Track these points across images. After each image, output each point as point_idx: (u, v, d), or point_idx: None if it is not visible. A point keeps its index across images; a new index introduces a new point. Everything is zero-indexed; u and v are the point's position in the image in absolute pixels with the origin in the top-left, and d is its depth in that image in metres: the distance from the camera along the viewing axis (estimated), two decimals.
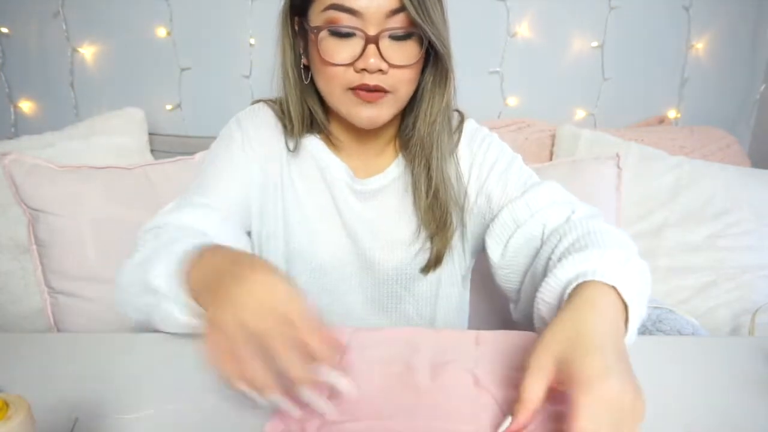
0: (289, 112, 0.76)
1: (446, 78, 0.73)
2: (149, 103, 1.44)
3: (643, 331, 0.98)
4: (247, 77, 1.51)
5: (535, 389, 0.45)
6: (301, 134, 0.77)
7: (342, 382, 0.46)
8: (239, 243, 0.75)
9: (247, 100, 1.52)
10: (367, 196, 0.79)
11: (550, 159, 1.37)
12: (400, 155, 0.79)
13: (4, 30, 1.47)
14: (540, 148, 1.39)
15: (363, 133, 0.77)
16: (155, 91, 1.51)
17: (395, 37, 0.67)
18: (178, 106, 1.54)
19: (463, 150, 0.79)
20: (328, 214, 0.79)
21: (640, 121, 1.56)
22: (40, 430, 0.36)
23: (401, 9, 0.65)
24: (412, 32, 0.67)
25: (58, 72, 1.50)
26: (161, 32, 1.48)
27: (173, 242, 0.60)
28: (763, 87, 1.53)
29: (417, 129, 0.75)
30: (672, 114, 1.56)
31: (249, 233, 0.82)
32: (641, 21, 1.49)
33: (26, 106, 1.53)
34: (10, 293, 1.18)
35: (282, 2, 0.73)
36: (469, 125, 0.82)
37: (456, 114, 0.82)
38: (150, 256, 0.59)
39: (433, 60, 0.72)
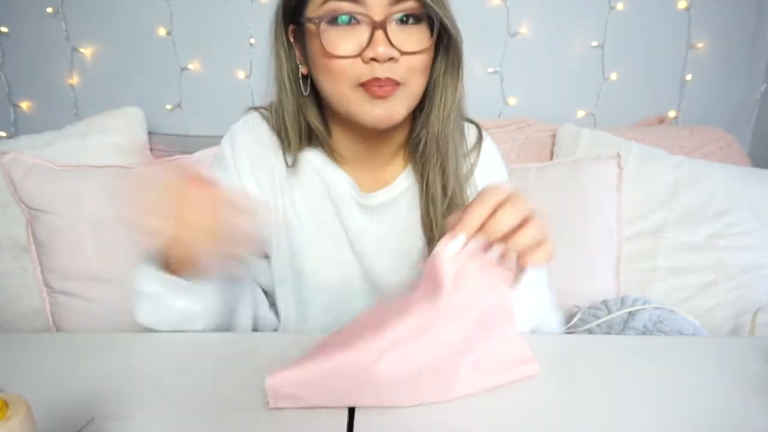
0: (285, 127, 0.72)
1: (459, 66, 0.68)
2: (149, 102, 1.44)
3: (644, 331, 0.98)
4: (247, 77, 1.51)
5: (477, 212, 0.48)
6: (299, 149, 0.73)
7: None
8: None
9: (247, 100, 1.53)
10: (374, 210, 0.75)
11: (551, 159, 1.37)
12: (409, 166, 0.75)
13: (4, 29, 1.47)
14: (540, 147, 1.39)
15: (369, 143, 0.73)
16: (155, 90, 1.51)
17: (403, 22, 0.63)
18: (178, 105, 1.53)
19: (478, 171, 0.76)
20: (333, 232, 0.75)
21: (640, 121, 1.56)
22: (40, 430, 0.36)
23: None
24: (422, 15, 0.63)
25: (58, 72, 1.50)
26: (161, 32, 1.48)
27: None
28: (763, 87, 1.53)
29: (430, 126, 0.70)
30: (672, 114, 1.56)
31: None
32: (641, 21, 1.49)
33: (26, 105, 1.53)
34: (9, 293, 1.18)
35: (274, 10, 0.69)
36: (488, 147, 0.78)
37: (473, 127, 0.78)
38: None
39: (444, 48, 0.68)
